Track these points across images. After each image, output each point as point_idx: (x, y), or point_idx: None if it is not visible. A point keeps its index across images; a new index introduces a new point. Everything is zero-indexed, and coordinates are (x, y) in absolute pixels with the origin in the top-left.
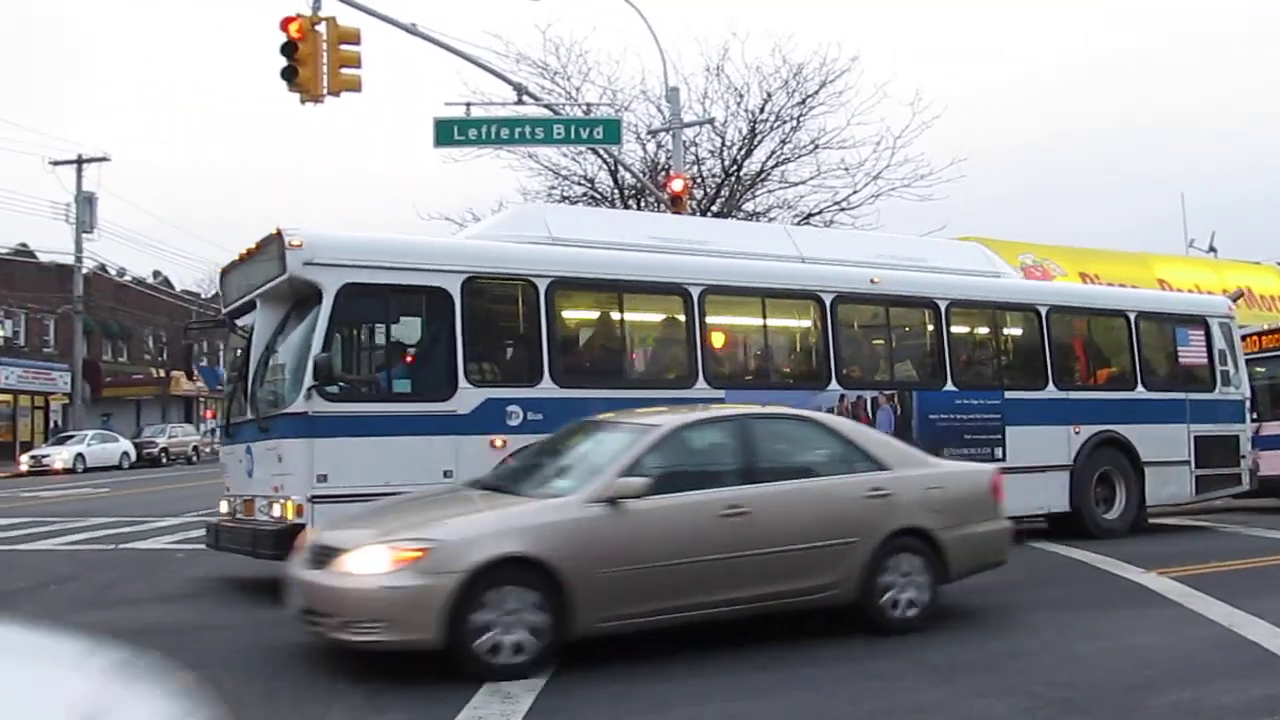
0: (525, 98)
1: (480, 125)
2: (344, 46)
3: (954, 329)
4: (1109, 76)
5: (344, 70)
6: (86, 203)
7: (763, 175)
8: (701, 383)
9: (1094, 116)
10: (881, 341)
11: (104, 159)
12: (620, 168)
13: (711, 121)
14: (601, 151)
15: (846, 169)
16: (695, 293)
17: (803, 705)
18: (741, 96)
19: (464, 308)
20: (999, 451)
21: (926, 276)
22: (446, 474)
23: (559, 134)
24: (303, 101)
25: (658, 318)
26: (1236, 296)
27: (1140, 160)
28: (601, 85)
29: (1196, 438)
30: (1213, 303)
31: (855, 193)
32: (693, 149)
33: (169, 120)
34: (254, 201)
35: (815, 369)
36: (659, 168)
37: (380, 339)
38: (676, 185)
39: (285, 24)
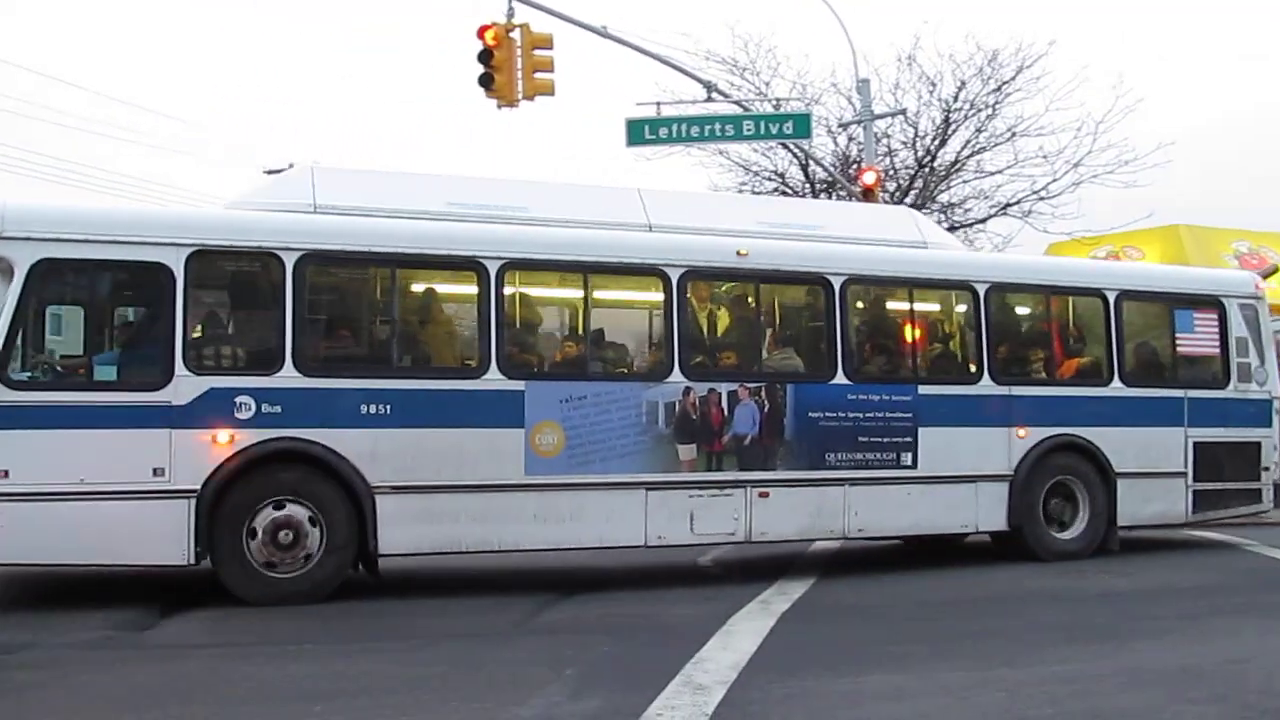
0: (715, 95)
1: (671, 124)
2: (537, 52)
3: (852, 310)
4: None
5: (537, 75)
6: None
7: (957, 165)
8: (494, 372)
9: None
10: (749, 325)
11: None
12: (811, 161)
13: (904, 112)
14: (792, 146)
15: (1044, 157)
16: (492, 268)
17: (997, 706)
18: (934, 85)
19: (188, 285)
20: (907, 457)
21: (819, 248)
22: (157, 471)
23: (749, 130)
24: (499, 107)
25: (441, 296)
26: (1270, 272)
27: None
28: (791, 79)
29: (1197, 444)
30: (1232, 280)
31: (1054, 181)
32: (884, 141)
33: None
34: None
35: (653, 357)
36: (850, 161)
37: (83, 321)
38: (869, 178)
39: (481, 32)
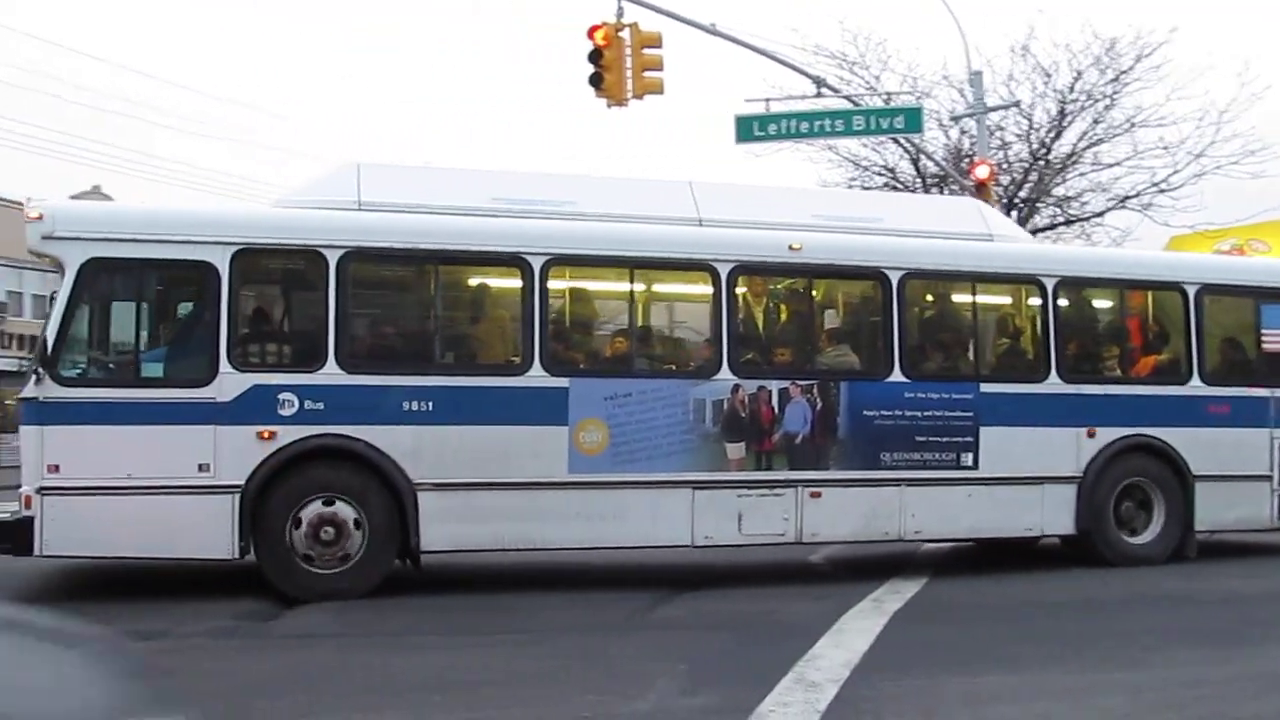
0: (824, 90)
1: (780, 120)
2: (646, 51)
3: (910, 306)
4: None
5: (646, 74)
6: None
7: (1073, 157)
8: (538, 369)
9: None
10: (802, 321)
11: None
12: (922, 156)
13: (1017, 104)
14: (903, 140)
15: (1165, 148)
16: (536, 264)
17: (1118, 709)
18: (1049, 76)
19: (232, 284)
20: (968, 458)
21: (876, 241)
22: (203, 467)
23: (859, 125)
24: (609, 106)
25: (484, 293)
26: None
27: None
28: (901, 73)
29: None
30: None
31: (1175, 172)
32: (998, 134)
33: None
34: None
35: (702, 354)
36: (962, 155)
37: (131, 318)
38: (981, 172)
39: (591, 32)
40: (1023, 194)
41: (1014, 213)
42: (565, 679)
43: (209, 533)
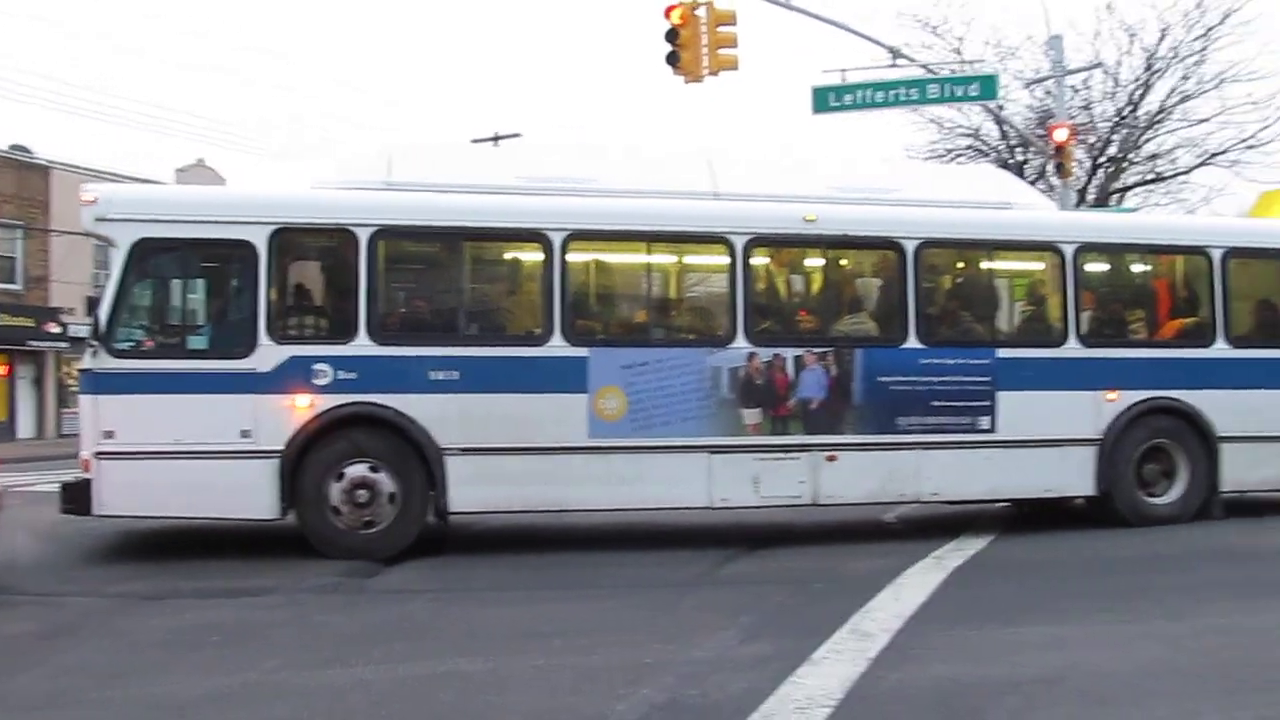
0: (899, 60)
1: (856, 90)
2: (721, 28)
3: (925, 274)
4: None
5: (721, 51)
6: None
7: (1161, 114)
8: (558, 339)
9: None
10: (817, 290)
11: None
12: (997, 123)
13: (1097, 67)
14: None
15: (1255, 103)
16: (557, 239)
17: (1151, 656)
18: (1133, 36)
19: (270, 261)
20: (985, 421)
21: (892, 212)
22: (244, 434)
23: (934, 93)
24: (686, 83)
25: (507, 267)
26: None
27: None
28: (985, 35)
29: None
30: None
31: (1265, 128)
32: (1083, 92)
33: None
34: None
35: (717, 323)
36: (1049, 115)
37: (178, 294)
38: (1060, 135)
39: (668, 11)
40: (1110, 152)
41: (1100, 171)
42: (635, 629)
43: (252, 494)
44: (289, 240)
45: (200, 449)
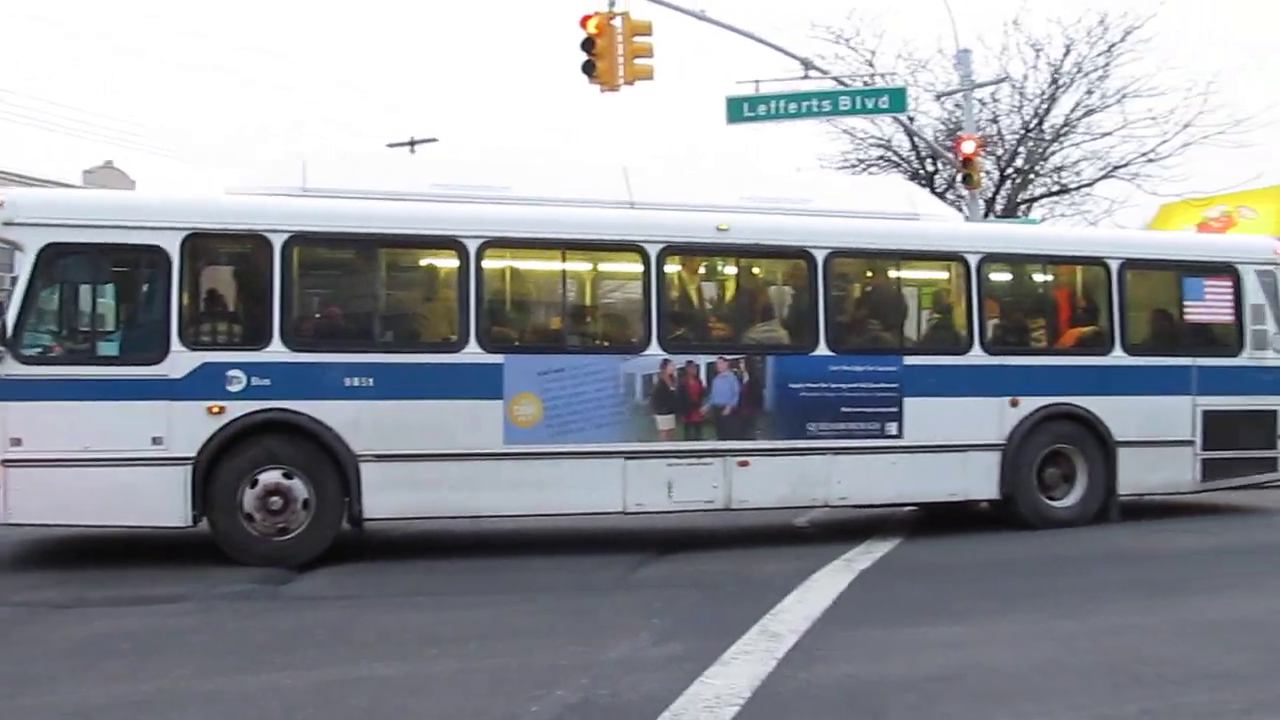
0: (811, 72)
1: (769, 101)
2: (637, 38)
3: (835, 283)
4: None
5: (638, 60)
6: None
7: (1066, 127)
8: (474, 346)
9: None
10: (730, 298)
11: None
12: (908, 135)
13: (1005, 80)
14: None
15: (1154, 118)
16: (472, 247)
17: (1045, 654)
18: (1037, 52)
19: (183, 267)
20: (892, 427)
21: (802, 222)
22: (156, 441)
23: (845, 105)
24: (602, 92)
25: (423, 274)
26: None
27: None
28: (896, 47)
29: (1206, 413)
30: (1249, 247)
31: (1164, 142)
32: (990, 105)
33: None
34: None
35: (632, 330)
36: (958, 126)
37: (88, 300)
38: (967, 147)
39: (584, 21)
40: (1016, 164)
41: (1007, 182)
42: (550, 633)
43: (163, 502)
44: (202, 246)
45: (111, 456)
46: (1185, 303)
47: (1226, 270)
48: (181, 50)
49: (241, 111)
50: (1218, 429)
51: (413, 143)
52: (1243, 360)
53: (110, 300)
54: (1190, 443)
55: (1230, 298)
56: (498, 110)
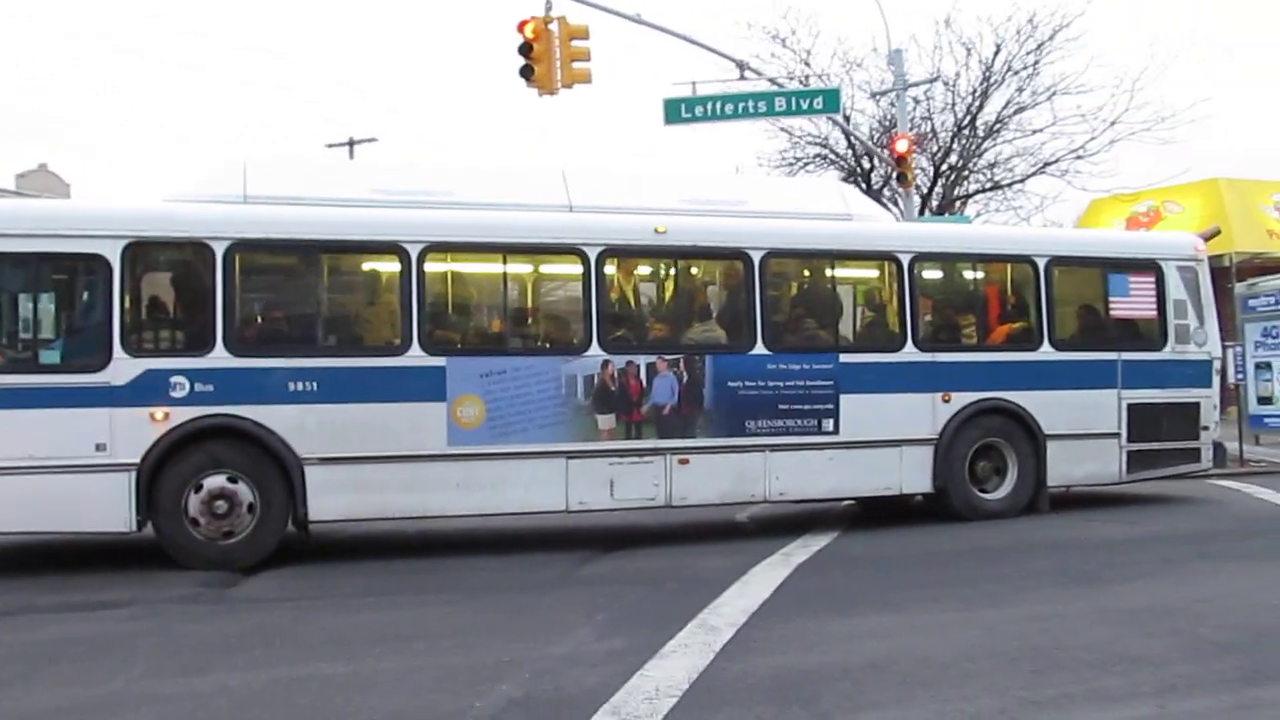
0: (747, 73)
1: (706, 102)
2: (575, 42)
3: (771, 283)
4: None
5: (575, 64)
6: None
7: (999, 124)
8: (416, 349)
9: None
10: (668, 299)
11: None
12: (844, 134)
13: (935, 80)
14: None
15: (1082, 116)
16: (414, 251)
17: (971, 642)
18: (968, 50)
19: (124, 275)
20: (829, 424)
21: (738, 223)
22: (100, 447)
23: (781, 106)
24: (539, 95)
25: (365, 279)
26: (1211, 235)
27: None
28: (832, 46)
29: (1131, 406)
30: (1171, 243)
31: (1092, 139)
32: (924, 103)
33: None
34: None
35: (572, 332)
36: (893, 125)
37: (28, 308)
38: (901, 146)
39: (521, 26)
40: (950, 161)
41: (942, 179)
42: (494, 630)
43: (108, 508)
44: (143, 254)
45: (54, 463)
46: (1110, 299)
47: (1150, 267)
48: (182, 50)
49: (242, 112)
50: (1142, 421)
51: (352, 143)
52: (1166, 354)
53: (51, 308)
54: (1116, 435)
55: (1153, 294)
56: (429, 113)
